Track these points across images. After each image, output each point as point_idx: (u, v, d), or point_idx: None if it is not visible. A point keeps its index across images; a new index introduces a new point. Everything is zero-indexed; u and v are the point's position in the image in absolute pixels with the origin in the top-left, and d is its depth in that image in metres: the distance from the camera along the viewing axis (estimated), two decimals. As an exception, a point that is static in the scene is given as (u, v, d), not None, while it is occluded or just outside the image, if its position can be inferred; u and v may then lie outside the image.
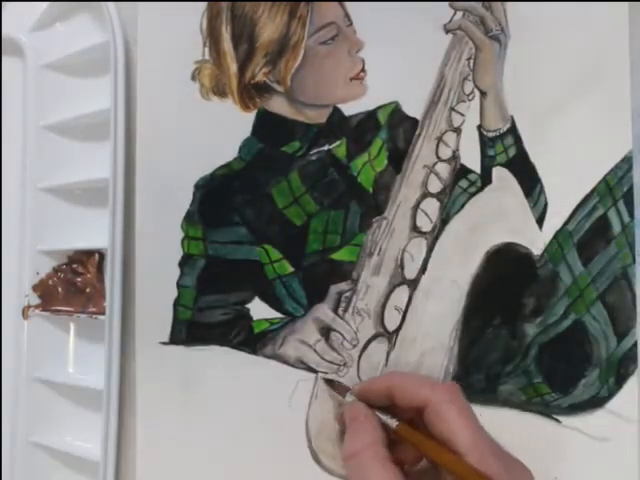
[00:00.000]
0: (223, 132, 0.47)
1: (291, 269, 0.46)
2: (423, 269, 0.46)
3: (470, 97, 0.46)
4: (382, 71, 0.46)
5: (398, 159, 0.46)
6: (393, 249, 0.46)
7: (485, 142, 0.46)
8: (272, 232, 0.46)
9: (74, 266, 0.51)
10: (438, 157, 0.46)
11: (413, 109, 0.46)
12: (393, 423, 0.39)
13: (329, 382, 0.45)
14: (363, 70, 0.46)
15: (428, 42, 0.46)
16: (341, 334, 0.45)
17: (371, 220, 0.46)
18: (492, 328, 0.45)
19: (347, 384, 0.45)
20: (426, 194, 0.46)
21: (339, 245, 0.46)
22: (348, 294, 0.46)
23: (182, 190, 0.47)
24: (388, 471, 0.35)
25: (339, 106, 0.47)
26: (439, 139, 0.46)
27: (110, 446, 0.46)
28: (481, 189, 0.46)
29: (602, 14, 0.45)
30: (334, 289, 0.46)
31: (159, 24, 0.48)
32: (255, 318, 0.46)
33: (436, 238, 0.46)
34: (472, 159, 0.46)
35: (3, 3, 0.51)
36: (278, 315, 0.46)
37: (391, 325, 0.45)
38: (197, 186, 0.47)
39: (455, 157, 0.46)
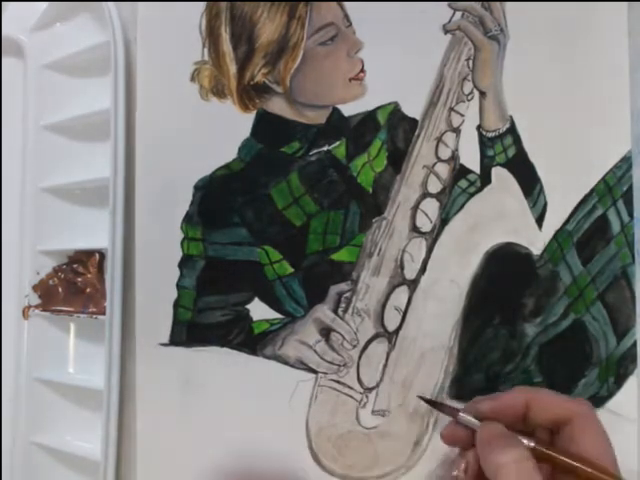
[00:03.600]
0: (222, 133, 0.47)
1: (291, 270, 0.46)
2: (423, 269, 0.46)
3: (469, 97, 0.46)
4: (381, 71, 0.46)
5: (398, 159, 0.46)
6: (393, 249, 0.46)
7: (484, 142, 0.46)
8: (272, 233, 0.46)
9: (74, 266, 0.51)
10: (437, 157, 0.46)
11: (412, 109, 0.46)
12: (529, 443, 0.36)
13: (433, 403, 0.41)
14: (362, 71, 0.46)
15: (427, 42, 0.46)
16: (341, 334, 0.46)
17: (371, 220, 0.46)
18: (492, 328, 0.45)
19: (348, 384, 0.45)
20: (426, 194, 0.46)
21: (339, 245, 0.46)
22: (348, 294, 0.46)
23: (181, 191, 0.47)
24: None
25: (338, 107, 0.47)
26: (438, 139, 0.46)
27: (110, 446, 0.46)
28: (480, 189, 0.46)
29: (602, 14, 0.45)
30: (334, 289, 0.46)
31: (158, 25, 0.48)
32: (255, 319, 0.46)
33: (436, 238, 0.46)
34: (471, 159, 0.46)
35: (3, 3, 0.51)
36: (278, 316, 0.46)
37: (391, 325, 0.45)
38: (196, 187, 0.47)
39: (454, 157, 0.46)
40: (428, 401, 0.41)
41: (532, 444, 0.36)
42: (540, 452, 0.35)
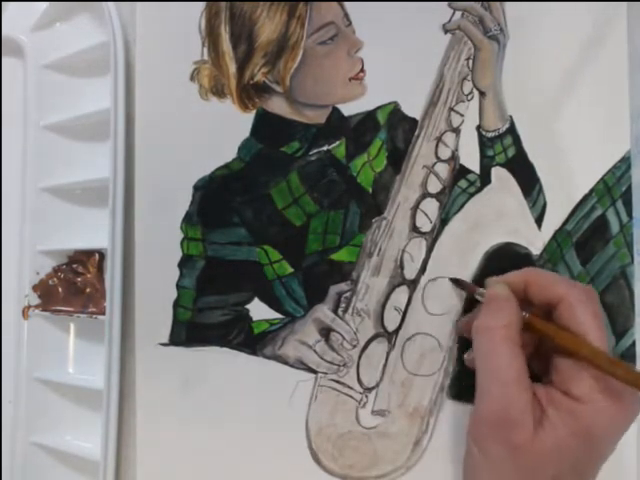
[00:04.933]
0: (222, 133, 0.47)
1: (291, 270, 0.46)
2: (423, 269, 0.46)
3: (469, 97, 0.46)
4: (381, 71, 0.46)
5: (397, 159, 0.46)
6: (393, 249, 0.46)
7: (484, 142, 0.46)
8: (271, 233, 0.46)
9: (74, 266, 0.51)
10: (437, 157, 0.46)
11: (412, 109, 0.46)
12: (525, 314, 0.39)
13: (455, 281, 0.45)
14: (362, 70, 0.46)
15: (427, 42, 0.46)
16: (341, 334, 0.46)
17: (371, 220, 0.46)
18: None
19: (348, 384, 0.45)
20: (425, 194, 0.46)
21: (339, 245, 0.46)
22: (348, 294, 0.46)
23: (181, 191, 0.47)
24: (517, 356, 0.36)
25: (338, 106, 0.47)
26: (438, 139, 0.46)
27: (110, 446, 0.46)
28: (480, 189, 0.46)
29: (601, 14, 0.45)
30: (334, 289, 0.46)
31: (158, 24, 0.48)
32: (255, 319, 0.46)
33: (436, 238, 0.46)
34: (471, 159, 0.46)
35: (3, 3, 0.51)
36: (278, 316, 0.46)
37: (391, 325, 0.45)
38: (196, 187, 0.47)
39: (454, 157, 0.46)
40: (452, 280, 0.45)
41: (525, 314, 0.38)
42: (532, 324, 0.38)
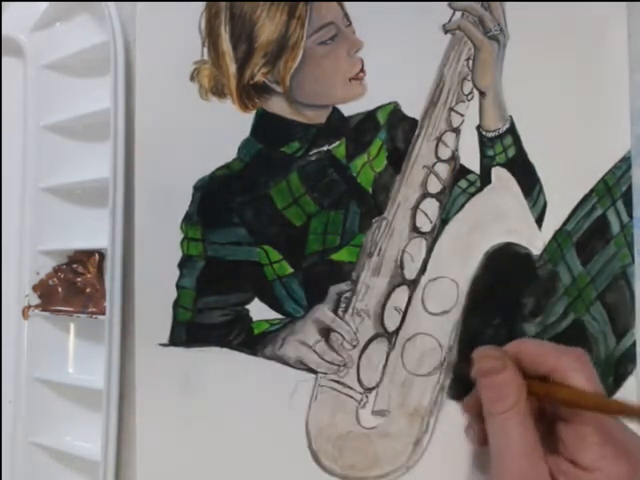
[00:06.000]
0: (222, 133, 0.47)
1: (291, 270, 0.46)
2: (423, 269, 0.46)
3: (469, 97, 0.46)
4: (381, 71, 0.46)
5: (397, 159, 0.46)
6: (393, 249, 0.46)
7: (484, 142, 0.46)
8: (271, 233, 0.46)
9: (74, 266, 0.51)
10: (437, 157, 0.46)
11: (412, 109, 0.46)
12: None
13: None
14: (362, 70, 0.46)
15: (427, 42, 0.46)
16: (341, 335, 0.46)
17: (371, 220, 0.46)
18: (492, 328, 0.45)
19: (348, 384, 0.45)
20: (426, 194, 0.46)
21: (339, 246, 0.46)
22: (348, 295, 0.46)
23: (181, 191, 0.47)
24: (529, 429, 0.36)
25: (338, 106, 0.47)
26: (438, 139, 0.46)
27: (110, 446, 0.46)
28: (480, 189, 0.46)
29: (601, 14, 0.45)
30: (334, 290, 0.46)
31: (158, 24, 0.48)
32: (255, 319, 0.46)
33: (436, 238, 0.46)
34: (471, 159, 0.46)
35: (3, 3, 0.51)
36: (278, 316, 0.46)
37: (391, 325, 0.45)
38: (196, 187, 0.47)
39: (454, 157, 0.46)
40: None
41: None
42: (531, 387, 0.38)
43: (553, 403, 0.38)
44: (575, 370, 0.37)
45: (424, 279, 0.45)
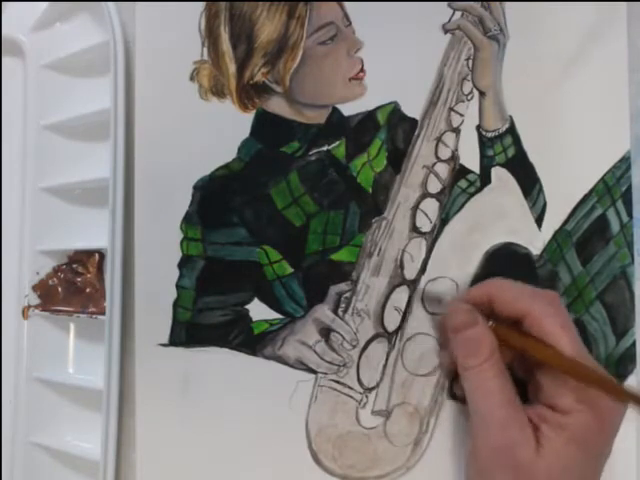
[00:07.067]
0: (222, 133, 0.47)
1: (290, 270, 0.46)
2: (423, 269, 0.46)
3: (469, 97, 0.46)
4: (381, 71, 0.46)
5: (397, 159, 0.46)
6: (393, 249, 0.46)
7: (484, 142, 0.46)
8: (271, 233, 0.46)
9: (74, 266, 0.51)
10: (437, 157, 0.46)
11: (412, 109, 0.46)
12: (491, 324, 0.39)
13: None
14: (362, 70, 0.46)
15: (427, 42, 0.46)
16: (341, 335, 0.46)
17: (371, 220, 0.46)
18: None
19: (348, 384, 0.45)
20: (425, 194, 0.46)
21: (339, 246, 0.46)
22: (348, 295, 0.46)
23: (181, 191, 0.47)
24: (505, 382, 0.37)
25: (338, 106, 0.47)
26: (438, 139, 0.46)
27: (110, 446, 0.46)
28: (480, 189, 0.46)
29: (601, 14, 0.45)
30: (334, 290, 0.46)
31: (158, 24, 0.48)
32: (255, 319, 0.46)
33: (436, 238, 0.46)
34: (471, 159, 0.46)
35: (3, 3, 0.51)
36: (278, 316, 0.46)
37: (391, 325, 0.45)
38: (196, 187, 0.47)
39: (454, 157, 0.46)
40: None
41: (491, 323, 0.39)
42: (505, 339, 0.38)
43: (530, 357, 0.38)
44: (549, 316, 0.37)
45: (424, 279, 0.45)
